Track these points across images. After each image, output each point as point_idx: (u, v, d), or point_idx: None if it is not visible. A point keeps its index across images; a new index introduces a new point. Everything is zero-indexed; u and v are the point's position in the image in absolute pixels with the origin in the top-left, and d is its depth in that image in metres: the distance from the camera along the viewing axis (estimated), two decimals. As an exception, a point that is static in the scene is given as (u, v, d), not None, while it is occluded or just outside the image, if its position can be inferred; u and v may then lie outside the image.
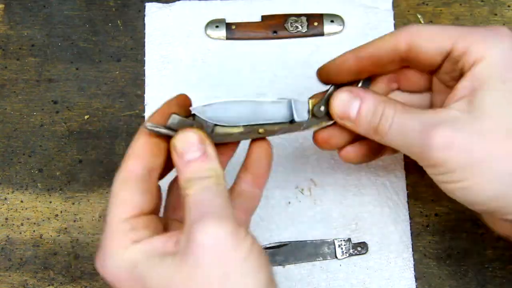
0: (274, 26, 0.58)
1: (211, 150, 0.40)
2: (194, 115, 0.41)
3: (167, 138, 0.40)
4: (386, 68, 0.45)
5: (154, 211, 0.41)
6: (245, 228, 0.40)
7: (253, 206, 0.45)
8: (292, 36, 0.58)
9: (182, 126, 0.40)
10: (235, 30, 0.58)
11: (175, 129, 0.40)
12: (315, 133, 0.46)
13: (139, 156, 0.40)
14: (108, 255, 0.38)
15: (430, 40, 0.42)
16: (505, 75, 0.39)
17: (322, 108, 0.44)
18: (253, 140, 0.44)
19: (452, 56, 0.41)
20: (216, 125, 0.41)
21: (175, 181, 0.45)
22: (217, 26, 0.59)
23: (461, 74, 0.41)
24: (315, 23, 0.58)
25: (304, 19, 0.58)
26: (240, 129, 0.42)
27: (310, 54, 0.58)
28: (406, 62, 0.44)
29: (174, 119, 0.40)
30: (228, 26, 0.58)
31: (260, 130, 0.42)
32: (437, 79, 0.45)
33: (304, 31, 0.58)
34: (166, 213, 0.45)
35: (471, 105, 0.39)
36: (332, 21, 0.58)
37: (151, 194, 0.40)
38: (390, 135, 0.41)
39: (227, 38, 0.58)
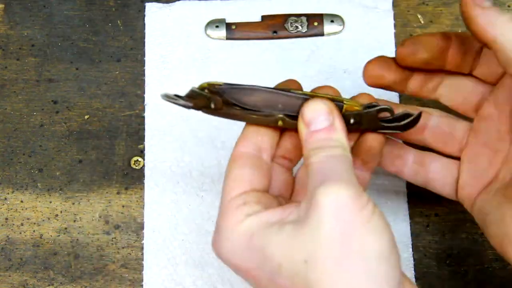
0: (274, 26, 0.58)
1: (338, 122, 0.39)
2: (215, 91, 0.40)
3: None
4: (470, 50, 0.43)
5: (267, 190, 0.41)
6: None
7: (364, 188, 0.44)
8: (292, 36, 0.58)
9: (200, 97, 0.40)
10: (235, 30, 0.58)
11: (191, 100, 0.40)
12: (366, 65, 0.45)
13: (248, 136, 0.40)
14: (223, 234, 0.38)
15: None
16: None
17: (352, 121, 0.41)
18: (366, 131, 0.43)
19: None
20: (235, 105, 0.41)
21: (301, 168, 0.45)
22: (217, 26, 0.59)
23: None
24: (315, 23, 0.58)
25: (304, 19, 0.58)
26: (260, 116, 0.41)
27: (310, 54, 0.58)
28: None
29: (193, 91, 0.40)
30: (228, 26, 0.58)
31: (279, 123, 0.41)
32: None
33: (304, 31, 0.58)
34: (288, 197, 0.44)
35: None
36: (332, 21, 0.58)
37: (262, 170, 0.40)
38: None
39: (227, 38, 0.58)
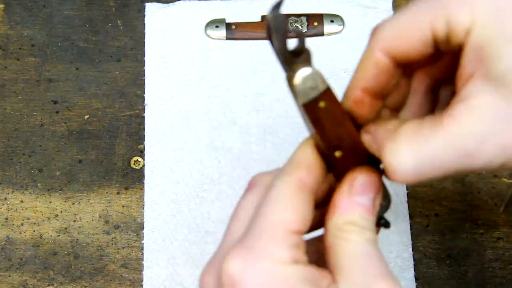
0: (274, 26, 0.58)
1: (378, 204, 0.35)
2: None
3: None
4: (394, 79, 0.38)
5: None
6: None
7: None
8: (292, 36, 0.58)
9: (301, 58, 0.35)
10: (235, 30, 0.58)
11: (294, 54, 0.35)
12: None
13: (310, 167, 0.35)
14: (258, 262, 0.33)
15: (406, 37, 0.34)
16: (507, 30, 0.32)
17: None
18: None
19: (439, 40, 0.34)
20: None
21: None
22: (217, 26, 0.59)
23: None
24: (315, 23, 0.58)
25: (304, 19, 0.58)
26: None
27: (310, 54, 0.58)
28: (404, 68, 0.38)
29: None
30: (228, 26, 0.58)
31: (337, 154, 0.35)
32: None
33: (304, 31, 0.58)
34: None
35: (489, 79, 0.32)
36: (332, 21, 0.58)
37: (312, 214, 0.35)
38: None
39: (227, 38, 0.58)
